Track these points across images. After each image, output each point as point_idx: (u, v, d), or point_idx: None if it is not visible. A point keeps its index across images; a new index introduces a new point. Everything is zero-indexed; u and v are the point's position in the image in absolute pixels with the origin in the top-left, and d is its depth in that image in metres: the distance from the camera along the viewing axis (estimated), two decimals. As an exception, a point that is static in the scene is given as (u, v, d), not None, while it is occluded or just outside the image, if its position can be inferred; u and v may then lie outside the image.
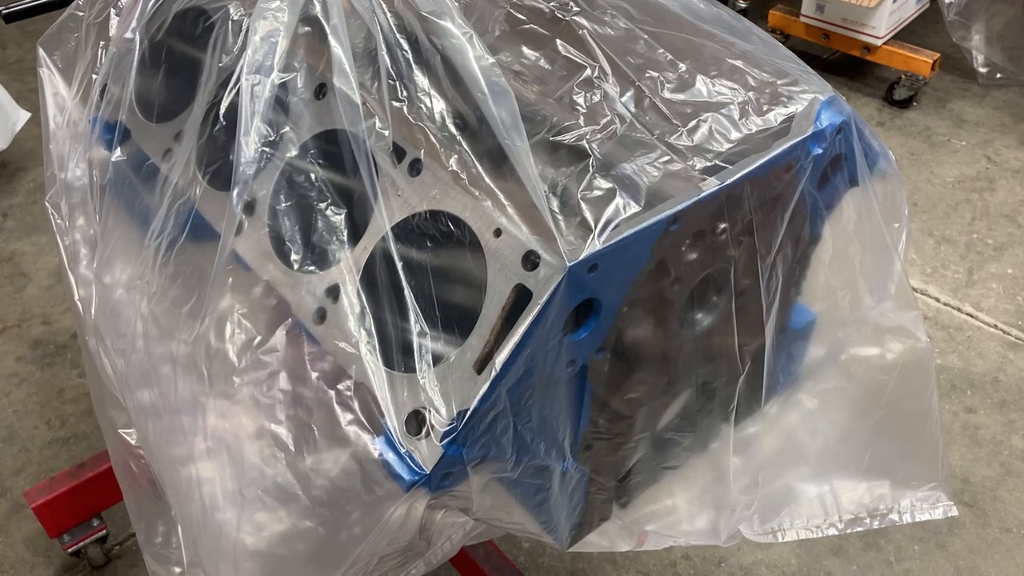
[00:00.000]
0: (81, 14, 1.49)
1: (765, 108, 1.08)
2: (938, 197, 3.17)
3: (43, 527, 2.15)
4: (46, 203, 1.48)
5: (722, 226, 1.03)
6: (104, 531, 2.18)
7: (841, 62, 3.76)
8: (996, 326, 2.73)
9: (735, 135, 1.05)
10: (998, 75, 3.56)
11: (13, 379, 2.70)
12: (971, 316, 2.78)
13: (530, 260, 0.93)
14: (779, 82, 1.11)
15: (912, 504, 1.35)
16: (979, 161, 3.31)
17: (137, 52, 1.28)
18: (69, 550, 2.18)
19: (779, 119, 1.07)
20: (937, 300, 2.83)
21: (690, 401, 1.18)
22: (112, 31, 1.40)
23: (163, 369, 1.10)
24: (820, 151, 1.08)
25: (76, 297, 1.37)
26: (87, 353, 1.38)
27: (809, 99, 1.09)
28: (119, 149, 1.31)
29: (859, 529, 1.35)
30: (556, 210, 0.96)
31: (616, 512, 1.28)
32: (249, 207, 1.13)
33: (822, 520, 1.36)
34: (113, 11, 1.42)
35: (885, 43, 3.43)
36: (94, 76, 1.40)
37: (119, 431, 1.39)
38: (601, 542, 1.29)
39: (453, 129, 1.03)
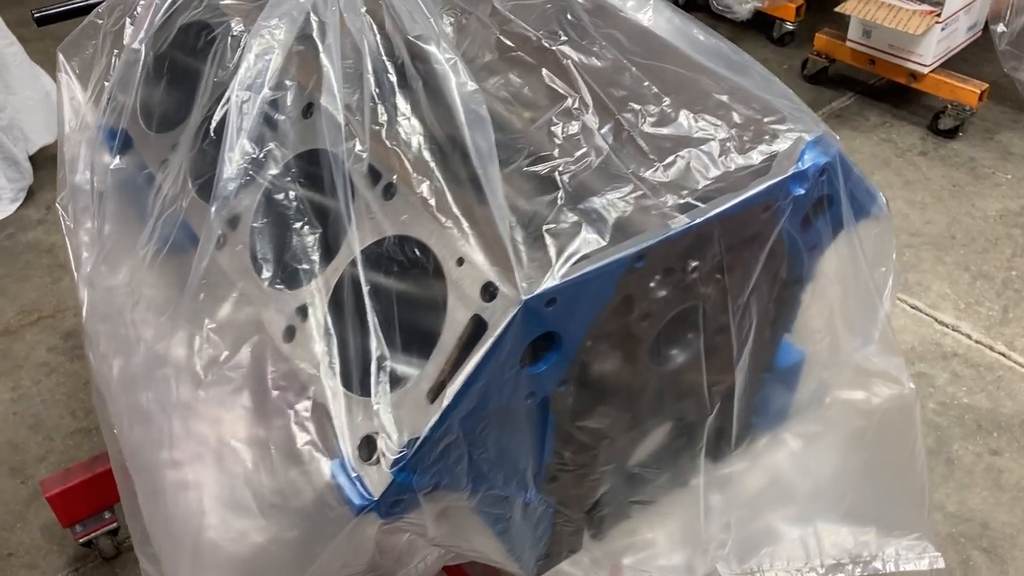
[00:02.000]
0: (100, 22, 1.52)
1: (748, 146, 1.06)
2: (978, 231, 3.09)
3: (56, 516, 2.19)
4: (57, 204, 1.51)
5: (693, 264, 1.02)
6: (115, 524, 2.22)
7: (887, 88, 3.69)
8: (1029, 367, 2.66)
9: (713, 172, 1.04)
10: (1050, 108, 3.47)
11: (44, 368, 2.76)
12: (1003, 355, 2.71)
13: (489, 291, 0.93)
14: (766, 119, 1.10)
15: (897, 552, 1.32)
16: (1024, 196, 3.23)
17: (142, 62, 1.31)
18: (80, 540, 2.22)
19: (760, 158, 1.06)
20: (969, 337, 2.76)
21: (664, 437, 1.17)
22: (125, 40, 1.43)
23: (140, 377, 1.11)
24: (802, 192, 1.06)
25: (79, 298, 1.40)
26: (85, 352, 1.41)
27: (794, 138, 1.07)
28: (119, 156, 1.33)
29: (840, 575, 1.32)
30: (520, 242, 0.95)
31: (589, 544, 1.27)
32: (233, 222, 1.14)
33: (803, 563, 1.33)
34: (128, 20, 1.46)
35: (932, 71, 3.36)
36: (106, 83, 1.43)
37: (114, 431, 1.41)
38: (574, 572, 1.28)
39: (427, 154, 1.03)
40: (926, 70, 3.35)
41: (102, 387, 1.27)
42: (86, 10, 1.79)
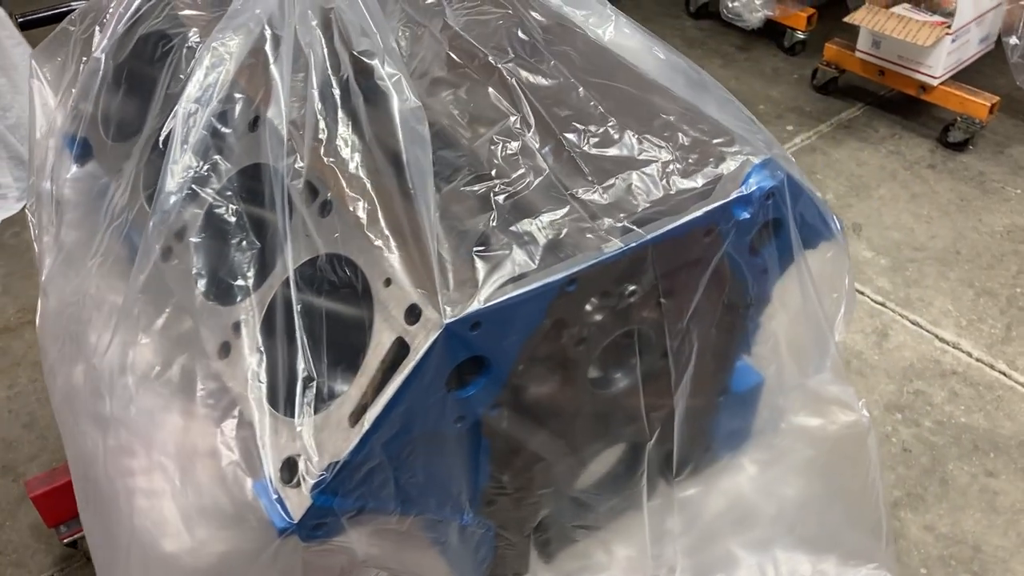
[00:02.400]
0: (72, 28, 1.52)
1: (692, 168, 1.04)
2: (983, 247, 3.04)
3: (41, 517, 2.21)
4: (27, 211, 1.52)
5: (631, 288, 1.00)
6: (99, 524, 2.23)
7: (896, 100, 3.64)
8: (1030, 387, 2.61)
9: (654, 195, 1.02)
10: (1064, 122, 3.40)
11: (40, 367, 2.78)
12: (1004, 375, 2.66)
13: (413, 313, 0.92)
14: (714, 141, 1.07)
15: (855, 582, 1.30)
16: (1033, 211, 3.17)
17: (101, 71, 1.31)
18: (65, 541, 2.23)
19: (704, 181, 1.03)
20: (969, 355, 2.71)
21: (608, 462, 1.15)
22: (93, 48, 1.44)
23: (80, 389, 1.11)
24: (747, 216, 1.04)
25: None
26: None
27: (740, 161, 1.05)
28: (79, 165, 1.33)
29: (796, 604, 1.30)
30: (449, 263, 0.94)
31: (539, 567, 1.25)
32: (180, 234, 1.14)
33: (760, 590, 1.31)
34: (97, 28, 1.46)
35: (942, 83, 3.31)
36: (73, 91, 1.44)
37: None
38: (525, 594, 1.26)
39: (363, 172, 1.02)
40: (936, 82, 3.30)
41: (51, 398, 1.27)
42: (69, 15, 1.80)
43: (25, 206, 1.50)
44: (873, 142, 3.48)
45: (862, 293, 2.89)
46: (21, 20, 1.81)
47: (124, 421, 1.03)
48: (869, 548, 1.26)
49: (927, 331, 2.78)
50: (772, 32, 3.97)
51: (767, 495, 1.29)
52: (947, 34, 3.18)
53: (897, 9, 3.27)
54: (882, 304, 2.86)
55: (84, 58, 1.45)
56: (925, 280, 2.93)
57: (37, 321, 1.28)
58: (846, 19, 3.38)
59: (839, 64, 3.59)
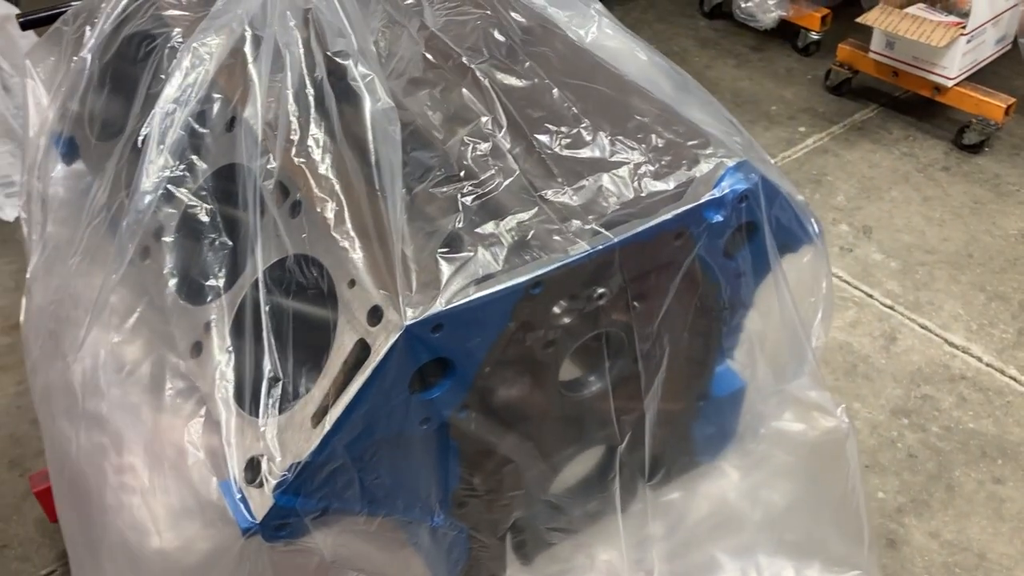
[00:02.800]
0: (65, 28, 1.54)
1: (664, 170, 1.03)
2: (997, 250, 3.00)
3: (44, 511, 2.23)
4: (19, 210, 1.53)
5: (599, 291, 0.99)
6: (101, 520, 2.25)
7: (911, 101, 3.59)
8: (1040, 393, 2.57)
9: (625, 197, 1.01)
10: (1082, 124, 3.35)
11: (49, 363, 2.81)
12: (1014, 380, 2.62)
13: (375, 315, 0.91)
14: (688, 143, 1.06)
15: (838, 589, 1.28)
16: (1049, 215, 3.12)
17: (87, 71, 1.31)
18: (67, 535, 2.25)
19: (676, 183, 1.02)
20: (979, 360, 2.67)
21: (580, 465, 1.14)
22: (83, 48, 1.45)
23: (55, 388, 1.12)
24: (719, 219, 1.03)
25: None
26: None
27: (714, 163, 1.04)
28: (65, 164, 1.34)
29: (778, 610, 1.28)
30: (412, 265, 0.93)
31: (518, 570, 1.24)
32: (158, 233, 1.14)
33: (742, 596, 1.30)
34: (88, 28, 1.47)
35: (957, 84, 3.27)
36: (63, 90, 1.45)
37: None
38: (505, 597, 1.26)
39: (332, 172, 1.02)
40: (951, 83, 3.26)
41: (32, 396, 1.28)
42: (66, 15, 1.82)
43: (19, 204, 1.51)
44: (886, 144, 3.45)
45: (871, 296, 2.86)
46: (21, 20, 1.82)
47: (97, 419, 1.04)
48: (852, 554, 1.25)
49: (936, 335, 2.74)
50: (786, 32, 3.93)
51: (749, 500, 1.28)
52: (962, 35, 3.14)
53: (911, 9, 3.23)
54: (891, 307, 2.83)
55: (74, 57, 1.46)
56: (936, 284, 2.90)
57: (21, 319, 1.29)
58: (859, 20, 3.34)
59: (853, 65, 3.55)
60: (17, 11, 3.17)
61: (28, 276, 1.28)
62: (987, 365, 2.66)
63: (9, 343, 2.87)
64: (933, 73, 3.28)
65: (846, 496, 1.19)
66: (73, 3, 1.87)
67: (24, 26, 1.85)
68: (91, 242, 1.17)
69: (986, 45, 3.30)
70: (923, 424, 2.51)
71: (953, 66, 3.22)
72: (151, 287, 1.10)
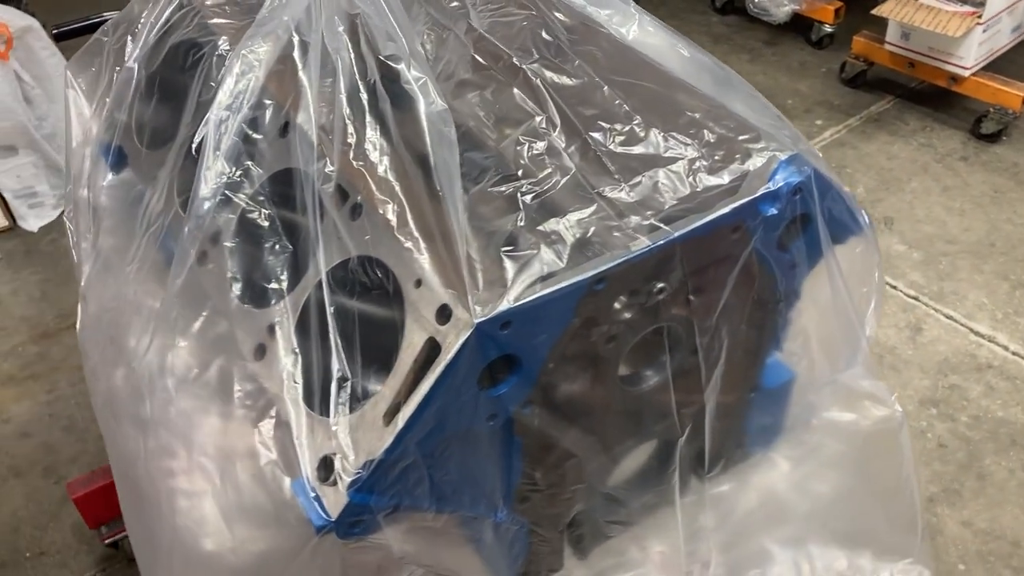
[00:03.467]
0: (105, 39, 1.55)
1: (718, 165, 1.05)
2: (1019, 239, 3.00)
3: (82, 518, 2.25)
4: (65, 219, 1.55)
5: (659, 286, 1.01)
6: (139, 525, 2.27)
7: (927, 92, 3.60)
8: (1068, 381, 2.58)
9: (681, 192, 1.02)
10: (1099, 111, 3.35)
11: (79, 371, 2.81)
12: (1042, 368, 2.63)
13: (444, 314, 0.93)
14: (740, 138, 1.08)
15: (892, 576, 1.29)
16: (1070, 203, 3.13)
17: (134, 81, 1.33)
18: (106, 542, 2.27)
19: (731, 177, 1.04)
20: (1006, 349, 2.68)
21: (640, 458, 1.16)
22: (126, 57, 1.46)
23: (121, 391, 1.14)
24: (774, 212, 1.04)
25: (79, 311, 1.43)
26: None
27: (767, 157, 1.05)
28: (115, 172, 1.36)
29: (832, 599, 1.30)
30: (478, 263, 0.95)
31: (572, 564, 1.26)
32: (215, 238, 1.16)
33: (795, 586, 1.31)
34: (130, 38, 1.48)
35: (973, 74, 3.27)
36: (107, 100, 1.46)
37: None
38: (560, 591, 1.27)
39: (392, 175, 1.03)
40: (967, 73, 3.27)
41: (92, 401, 1.29)
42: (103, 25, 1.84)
43: (63, 213, 1.52)
44: (904, 135, 3.45)
45: (895, 287, 2.86)
46: (56, 31, 1.84)
47: (164, 422, 1.05)
48: (905, 543, 1.26)
49: (962, 325, 2.75)
50: (799, 26, 3.94)
51: (800, 491, 1.29)
52: (978, 24, 3.15)
53: (927, 0, 3.24)
54: (915, 298, 2.84)
55: (117, 68, 1.48)
56: (959, 273, 2.90)
57: (78, 326, 1.30)
58: (874, 11, 3.35)
59: (868, 57, 3.56)
60: (37, 23, 3.19)
61: (83, 285, 1.30)
62: (1013, 354, 2.67)
63: (38, 352, 2.89)
64: (949, 63, 3.28)
65: (900, 485, 1.20)
66: (104, 14, 1.90)
67: (58, 38, 1.87)
68: (148, 249, 1.18)
69: (1002, 34, 3.31)
70: (952, 414, 2.52)
71: (969, 56, 3.22)
72: (211, 291, 1.12)
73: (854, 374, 1.14)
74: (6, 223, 3.32)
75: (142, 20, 1.47)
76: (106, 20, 1.87)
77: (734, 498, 1.29)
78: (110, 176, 1.35)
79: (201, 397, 1.04)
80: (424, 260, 0.96)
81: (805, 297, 1.11)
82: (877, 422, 1.19)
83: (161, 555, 1.08)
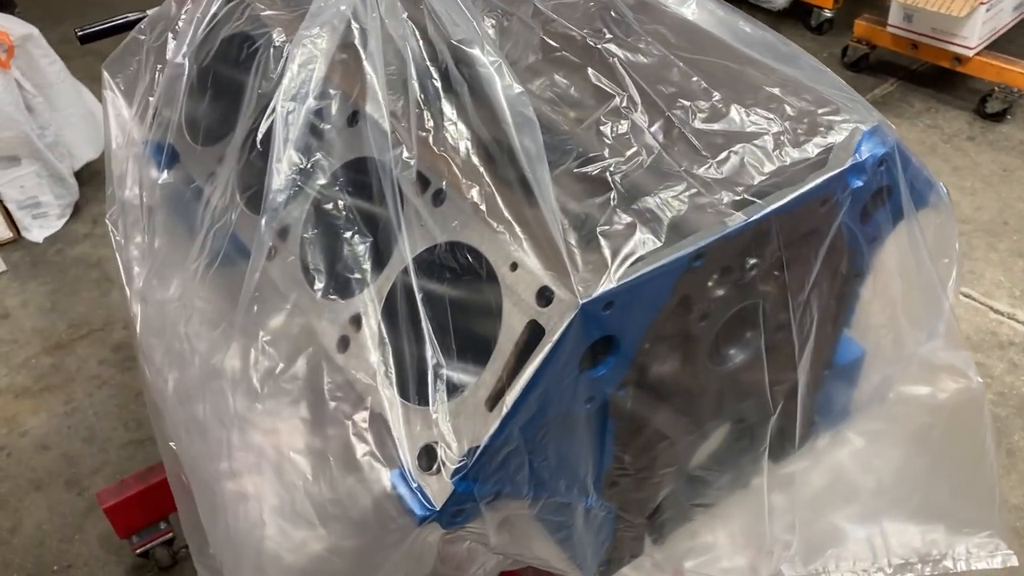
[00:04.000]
0: (142, 38, 1.53)
1: (802, 139, 1.04)
2: (1031, 216, 3.02)
3: (113, 528, 2.22)
4: (107, 220, 1.52)
5: (752, 262, 1.00)
6: (171, 534, 2.24)
7: (930, 73, 3.62)
8: (1088, 354, 2.59)
9: (768, 167, 1.01)
10: (1101, 87, 3.38)
11: (95, 381, 2.80)
12: (1062, 343, 2.64)
13: (544, 296, 0.91)
14: (819, 111, 1.07)
15: (968, 551, 1.29)
16: (1078, 178, 3.15)
17: (185, 76, 1.31)
18: (137, 551, 2.24)
19: (816, 150, 1.03)
20: (1026, 325, 2.70)
21: (724, 439, 1.15)
22: (168, 55, 1.44)
23: (196, 390, 1.12)
24: (860, 184, 1.03)
25: (131, 312, 1.41)
26: (140, 366, 1.42)
27: (850, 129, 1.04)
28: (167, 171, 1.34)
29: (909, 575, 1.29)
30: (574, 244, 0.94)
31: (650, 548, 1.25)
32: (282, 233, 1.14)
33: (870, 563, 1.30)
34: (171, 35, 1.46)
35: (977, 54, 3.29)
36: (150, 99, 1.44)
37: (170, 444, 1.42)
38: (634, 577, 1.26)
39: (476, 159, 1.02)
40: (971, 53, 3.28)
41: (158, 400, 1.27)
42: (128, 26, 1.80)
43: (107, 216, 1.50)
44: (909, 117, 3.47)
45: (912, 268, 2.87)
46: (81, 34, 1.81)
47: (250, 419, 1.03)
48: (982, 516, 1.25)
49: (981, 303, 2.76)
50: (798, 12, 3.96)
51: (873, 467, 1.29)
52: (981, 3, 3.16)
53: (929, -18, 3.26)
54: (933, 278, 2.84)
55: (159, 65, 1.45)
56: (974, 252, 2.92)
57: (137, 328, 1.28)
58: (878, -6, 3.37)
59: (870, 40, 3.57)
60: (37, 31, 3.15)
61: (140, 286, 1.27)
62: (1034, 330, 2.68)
63: (52, 363, 2.85)
64: (953, 44, 3.30)
65: (978, 457, 1.20)
66: (129, 15, 1.87)
67: (83, 40, 1.84)
68: (215, 246, 1.16)
69: (1004, 13, 3.33)
70: (980, 392, 2.53)
71: (973, 35, 3.24)
72: (285, 285, 1.10)
73: (933, 346, 1.14)
74: (11, 235, 3.28)
75: (183, 16, 1.44)
76: (131, 20, 1.85)
77: (808, 476, 1.29)
78: (165, 175, 1.33)
79: (288, 392, 1.02)
80: (519, 243, 0.95)
81: (891, 269, 1.11)
82: (954, 394, 1.18)
83: (247, 554, 1.06)
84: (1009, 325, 2.70)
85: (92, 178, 3.47)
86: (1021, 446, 2.41)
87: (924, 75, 3.65)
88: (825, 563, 1.30)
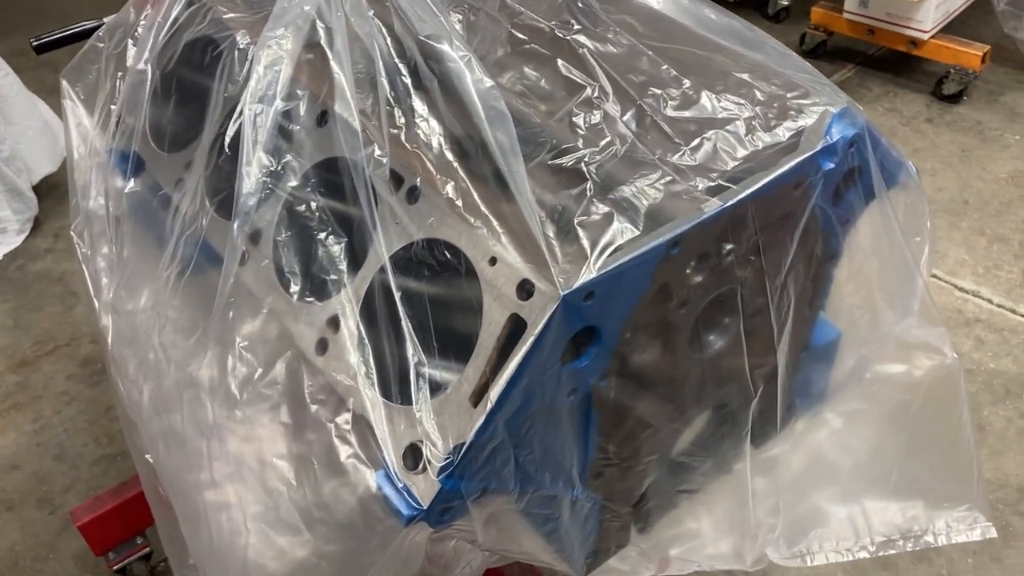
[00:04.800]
0: (101, 45, 1.51)
1: (773, 123, 1.04)
2: (990, 194, 3.07)
3: (88, 545, 2.18)
4: (72, 232, 1.50)
5: (728, 247, 1.00)
6: (148, 548, 2.21)
7: (887, 57, 3.66)
8: (1053, 328, 2.64)
9: (741, 152, 1.02)
10: (1054, 65, 3.44)
11: (63, 397, 2.75)
12: (1026, 318, 2.69)
13: (525, 289, 0.91)
14: (789, 95, 1.08)
15: (948, 525, 1.30)
16: (1034, 156, 3.20)
17: (149, 82, 1.29)
18: (115, 567, 2.21)
19: (787, 134, 1.04)
20: (990, 302, 2.74)
21: (706, 425, 1.15)
22: (129, 61, 1.42)
23: (172, 400, 1.10)
24: (832, 166, 1.04)
25: (100, 325, 1.38)
26: (111, 379, 1.39)
27: (820, 112, 1.05)
28: (133, 179, 1.32)
29: (892, 552, 1.30)
30: (552, 236, 0.93)
31: (635, 538, 1.25)
32: (254, 237, 1.13)
33: (853, 543, 1.31)
34: (131, 42, 1.44)
35: (932, 37, 3.34)
36: (112, 106, 1.42)
37: (145, 456, 1.40)
38: (621, 567, 1.26)
39: (450, 155, 1.01)
40: (926, 36, 3.33)
41: (131, 412, 1.25)
42: (85, 35, 1.77)
43: (72, 228, 1.47)
44: (868, 101, 3.51)
45: (877, 250, 2.91)
46: (36, 44, 1.78)
47: (229, 426, 1.02)
48: (960, 491, 1.27)
49: (946, 282, 2.80)
50: (755, 1, 3.99)
51: (850, 448, 1.30)
52: (934, -13, 3.21)
53: (882, -33, 3.30)
54: (898, 259, 2.88)
55: (120, 73, 1.43)
56: (937, 232, 2.95)
57: (108, 340, 1.26)
58: (833, -19, 3.40)
59: (827, 27, 3.61)
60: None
61: (111, 297, 1.25)
62: (998, 306, 2.72)
63: (17, 381, 2.80)
64: (909, 28, 3.34)
65: (955, 432, 1.21)
66: (85, 23, 1.84)
67: (39, 50, 1.81)
68: (186, 252, 1.15)
69: (957, -4, 3.38)
70: (951, 369, 2.56)
71: (928, 19, 3.28)
72: (259, 289, 1.09)
73: (908, 324, 1.15)
74: (-31, 252, 3.22)
75: (142, 22, 1.42)
76: (88, 28, 1.82)
77: (788, 459, 1.29)
78: (131, 183, 1.30)
79: (268, 398, 1.01)
80: (497, 237, 0.94)
81: (865, 250, 1.12)
82: (930, 371, 1.19)
83: (231, 563, 1.04)
84: (974, 302, 2.74)
85: (51, 192, 3.41)
86: (991, 421, 2.44)
87: (881, 59, 3.69)
88: (809, 544, 1.31)
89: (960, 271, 2.83)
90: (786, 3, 3.88)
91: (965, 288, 2.78)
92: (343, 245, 1.06)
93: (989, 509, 1.28)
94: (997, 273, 2.82)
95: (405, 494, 0.93)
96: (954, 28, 3.46)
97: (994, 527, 1.28)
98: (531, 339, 0.89)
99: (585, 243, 0.92)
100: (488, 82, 1.02)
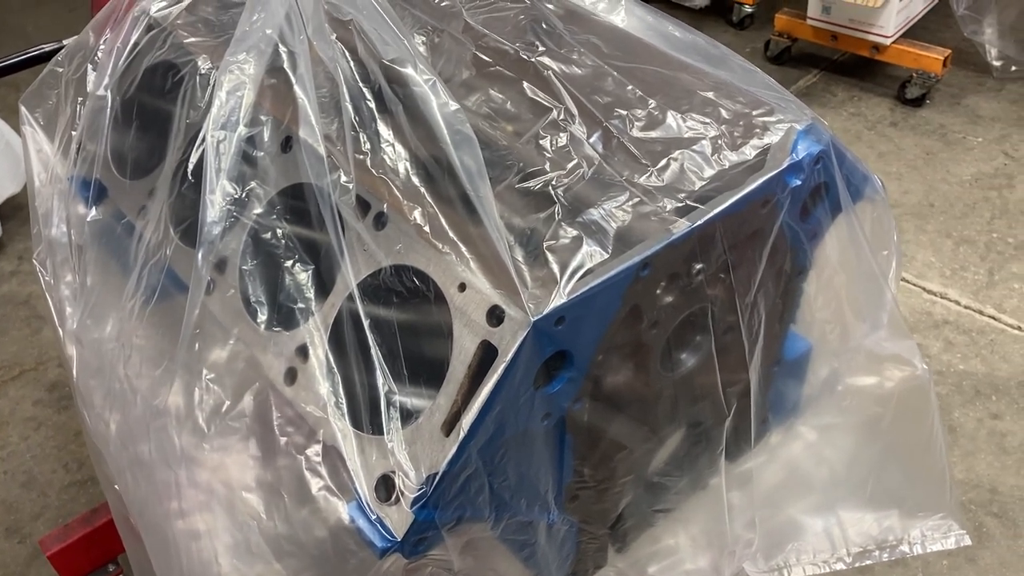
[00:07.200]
0: (60, 70, 1.48)
1: (739, 141, 1.05)
2: (955, 197, 3.10)
3: (59, 575, 2.15)
4: (35, 260, 1.47)
5: (698, 267, 1.00)
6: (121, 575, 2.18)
7: (851, 63, 3.70)
8: (1020, 328, 2.66)
9: (708, 172, 1.02)
10: (1013, 68, 3.49)
11: (31, 423, 2.71)
12: (993, 319, 2.71)
13: (495, 315, 0.90)
14: (754, 112, 1.08)
15: (923, 534, 1.31)
16: (996, 158, 3.23)
17: (109, 109, 1.27)
18: (86, 596, 2.17)
19: (754, 152, 1.04)
20: (958, 303, 2.76)
21: (680, 443, 1.15)
22: (89, 87, 1.40)
23: (140, 431, 1.08)
24: (798, 183, 1.04)
25: (64, 354, 1.36)
26: (77, 409, 1.37)
27: (785, 129, 1.05)
28: (95, 207, 1.30)
29: (868, 562, 1.31)
30: (521, 261, 0.93)
31: (613, 557, 1.24)
32: (220, 266, 1.11)
33: (829, 554, 1.32)
34: (90, 66, 1.42)
35: (894, 42, 3.37)
36: (73, 133, 1.39)
37: (115, 486, 1.38)
38: (600, 587, 1.26)
39: (416, 180, 1.01)
40: (888, 41, 3.36)
41: (99, 444, 1.23)
42: (44, 58, 1.75)
43: (34, 256, 1.44)
44: (833, 106, 3.54)
45: (846, 255, 2.93)
46: (-6, 68, 1.75)
47: (198, 457, 1.00)
48: (933, 500, 1.27)
49: (914, 285, 2.83)
50: (720, 9, 4.01)
51: (824, 460, 1.30)
52: (895, -7, 3.24)
53: (843, -26, 3.33)
54: (867, 263, 2.90)
55: (80, 98, 1.41)
56: (904, 235, 2.98)
57: (73, 370, 1.24)
58: (795, -12, 3.43)
59: (791, 33, 3.64)
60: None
61: (73, 326, 1.23)
62: (966, 308, 2.75)
63: (-20, 410, 2.76)
64: (871, 33, 3.37)
65: (927, 442, 1.22)
66: (44, 46, 1.81)
67: (-2, 74, 1.78)
68: (150, 282, 1.13)
69: (917, 1, 3.41)
70: (920, 373, 2.58)
71: (889, 24, 3.32)
72: (225, 319, 1.07)
73: (878, 337, 1.16)
74: (-69, 277, 3.16)
75: (102, 46, 1.40)
76: (47, 52, 1.79)
77: (763, 473, 1.30)
78: (93, 211, 1.28)
79: (236, 430, 0.99)
80: (466, 263, 0.93)
81: (833, 264, 1.12)
82: (901, 383, 1.20)
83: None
84: (942, 304, 2.76)
85: (15, 213, 3.36)
86: (961, 422, 2.46)
87: (845, 65, 3.72)
88: (786, 557, 1.31)
89: (928, 273, 2.85)
90: (750, 10, 3.91)
91: (933, 290, 2.81)
92: (310, 273, 1.05)
93: (963, 517, 1.29)
94: (964, 275, 2.85)
95: (378, 526, 0.92)
96: (915, 33, 3.50)
97: (968, 534, 1.29)
98: (502, 366, 0.88)
99: (555, 267, 0.92)
100: (453, 105, 1.01)
